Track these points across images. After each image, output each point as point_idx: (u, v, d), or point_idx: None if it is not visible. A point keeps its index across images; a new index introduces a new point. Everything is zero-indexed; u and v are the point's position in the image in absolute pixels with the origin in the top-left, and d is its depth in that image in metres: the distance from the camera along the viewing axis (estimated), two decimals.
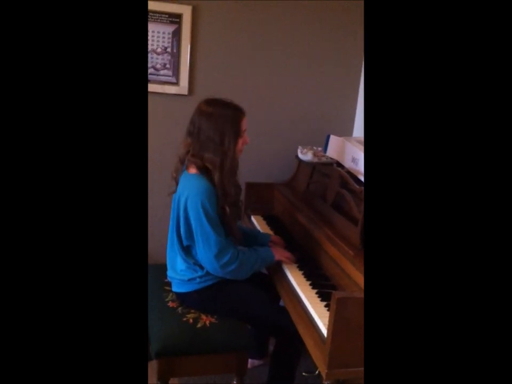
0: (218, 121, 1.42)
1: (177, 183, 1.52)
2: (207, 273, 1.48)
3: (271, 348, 1.89)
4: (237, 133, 1.45)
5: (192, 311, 1.53)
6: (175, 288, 1.57)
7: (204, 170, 1.44)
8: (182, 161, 1.52)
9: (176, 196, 1.49)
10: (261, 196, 2.18)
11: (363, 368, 1.09)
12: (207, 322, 1.48)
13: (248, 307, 1.52)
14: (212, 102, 1.46)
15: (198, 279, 1.49)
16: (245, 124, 1.49)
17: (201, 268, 1.48)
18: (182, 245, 1.50)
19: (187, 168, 1.49)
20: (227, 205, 1.44)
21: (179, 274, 1.53)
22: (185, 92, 2.12)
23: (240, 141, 1.49)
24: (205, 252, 1.42)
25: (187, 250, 1.51)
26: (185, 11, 2.03)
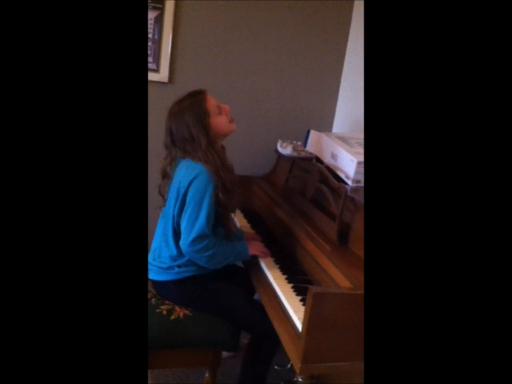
0: (181, 117, 1.40)
1: (164, 198, 1.49)
2: (187, 263, 1.45)
3: (242, 340, 1.89)
4: (203, 117, 1.40)
5: (166, 302, 1.50)
6: (151, 276, 1.53)
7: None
8: (166, 175, 1.48)
9: (176, 182, 1.43)
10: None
11: (337, 363, 1.11)
12: (181, 314, 1.46)
13: (224, 302, 1.50)
14: (175, 103, 1.44)
15: (176, 268, 1.47)
16: (211, 101, 1.44)
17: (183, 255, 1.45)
18: (174, 230, 1.46)
19: (187, 156, 1.43)
20: (225, 194, 1.40)
21: (158, 261, 1.50)
22: (165, 79, 2.08)
23: (220, 118, 1.45)
24: (184, 233, 1.39)
25: (178, 235, 1.45)
26: None
